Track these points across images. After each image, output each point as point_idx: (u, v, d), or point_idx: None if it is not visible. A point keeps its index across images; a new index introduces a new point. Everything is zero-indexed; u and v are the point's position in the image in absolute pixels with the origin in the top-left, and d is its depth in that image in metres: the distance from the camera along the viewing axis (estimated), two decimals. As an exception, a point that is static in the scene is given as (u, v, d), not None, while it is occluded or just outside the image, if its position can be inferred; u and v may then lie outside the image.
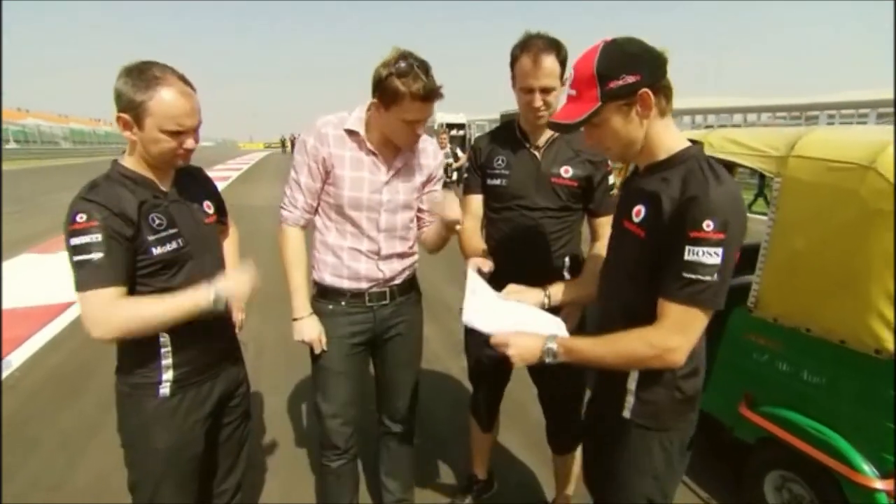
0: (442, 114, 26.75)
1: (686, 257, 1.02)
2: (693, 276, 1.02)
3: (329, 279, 1.74)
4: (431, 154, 1.80)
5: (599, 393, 1.41)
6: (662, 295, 1.08)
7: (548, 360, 1.19)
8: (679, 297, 1.05)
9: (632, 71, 1.06)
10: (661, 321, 1.09)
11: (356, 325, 1.77)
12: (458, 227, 1.65)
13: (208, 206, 1.52)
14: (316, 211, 1.74)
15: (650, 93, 1.07)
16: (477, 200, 1.95)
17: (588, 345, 1.18)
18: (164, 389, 1.39)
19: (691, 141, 1.17)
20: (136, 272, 1.30)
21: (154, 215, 1.32)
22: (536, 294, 1.54)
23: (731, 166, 3.17)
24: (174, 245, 1.34)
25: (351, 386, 1.81)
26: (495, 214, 1.87)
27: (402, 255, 1.80)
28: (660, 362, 1.10)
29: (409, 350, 1.92)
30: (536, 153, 1.78)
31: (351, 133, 1.64)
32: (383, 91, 1.49)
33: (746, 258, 3.11)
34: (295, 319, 1.73)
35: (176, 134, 1.27)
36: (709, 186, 1.02)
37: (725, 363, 2.21)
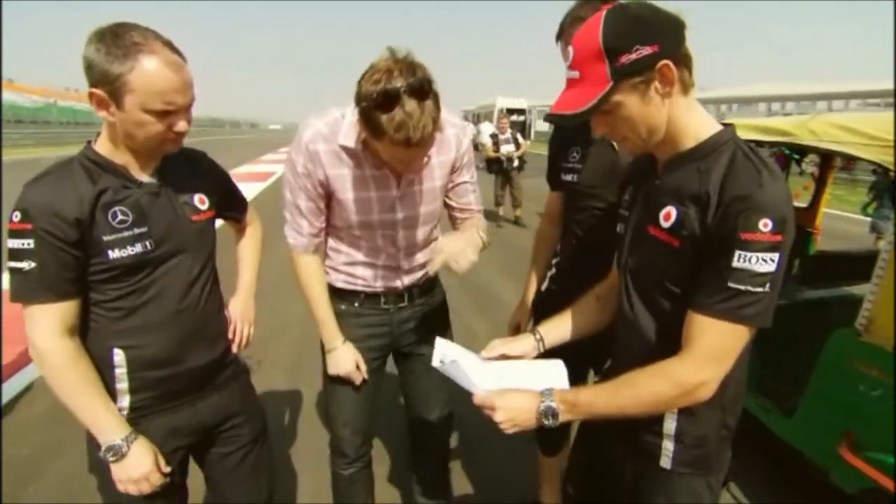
0: (502, 98, 26.17)
1: (735, 264, 0.83)
2: (741, 287, 0.84)
3: (341, 284, 1.55)
4: (454, 142, 1.44)
5: (606, 434, 1.15)
6: (696, 308, 0.88)
7: (547, 422, 0.96)
8: (721, 311, 0.86)
9: (647, 40, 0.84)
10: (690, 346, 0.89)
11: (370, 327, 1.58)
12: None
13: (201, 201, 1.25)
14: (327, 228, 1.50)
15: (671, 65, 0.85)
16: (553, 198, 1.74)
17: (597, 395, 0.97)
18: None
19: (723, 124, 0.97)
20: (89, 277, 1.09)
21: (118, 209, 1.09)
22: (524, 341, 1.22)
23: (828, 156, 2.73)
24: (139, 248, 1.11)
25: (364, 394, 1.61)
26: (571, 214, 1.64)
27: (425, 265, 1.57)
28: (687, 400, 0.92)
29: (428, 339, 1.67)
30: (615, 144, 1.50)
31: (346, 148, 1.32)
32: (363, 119, 1.15)
33: (852, 265, 2.72)
34: (328, 352, 1.54)
35: (164, 114, 1.04)
36: (762, 178, 0.83)
37: (821, 393, 1.87)
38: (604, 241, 1.53)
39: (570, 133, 1.59)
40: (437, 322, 1.65)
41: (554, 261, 1.78)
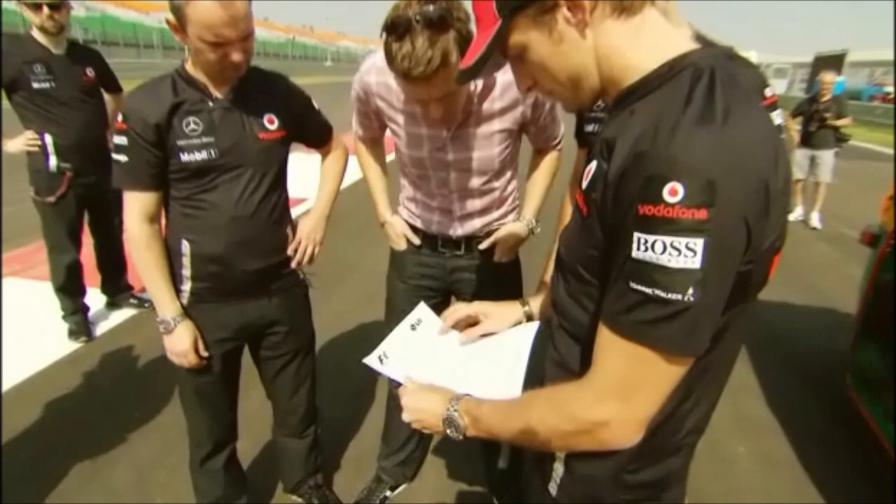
0: None
1: (635, 253, 0.55)
2: (647, 291, 0.55)
3: (405, 214, 1.61)
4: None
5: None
6: (602, 317, 0.63)
7: (450, 432, 0.80)
8: (623, 325, 0.59)
9: None
10: (592, 369, 0.65)
11: (424, 266, 1.60)
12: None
13: (270, 121, 1.36)
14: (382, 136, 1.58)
15: None
16: (581, 157, 1.53)
17: (494, 413, 0.77)
18: (183, 299, 1.39)
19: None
20: (169, 175, 1.28)
21: (190, 119, 1.25)
22: (512, 311, 1.06)
23: None
24: (204, 154, 1.26)
25: None
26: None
27: (484, 211, 1.50)
28: (589, 442, 0.66)
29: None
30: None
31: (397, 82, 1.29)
32: (383, 45, 1.10)
33: None
34: (381, 225, 1.65)
35: (216, 45, 1.15)
36: (682, 120, 0.54)
37: None
38: None
39: None
40: (497, 278, 1.59)
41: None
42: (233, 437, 1.66)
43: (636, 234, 0.55)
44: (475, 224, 1.51)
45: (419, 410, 0.85)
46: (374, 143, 1.62)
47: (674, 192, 0.52)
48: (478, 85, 1.29)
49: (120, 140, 1.25)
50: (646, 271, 0.55)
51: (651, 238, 0.54)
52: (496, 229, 1.54)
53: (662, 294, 0.55)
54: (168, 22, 1.17)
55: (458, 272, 1.59)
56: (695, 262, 0.53)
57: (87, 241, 2.96)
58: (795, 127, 5.75)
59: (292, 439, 1.74)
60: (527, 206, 1.58)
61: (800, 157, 5.64)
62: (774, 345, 3.19)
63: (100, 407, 2.38)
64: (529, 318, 1.04)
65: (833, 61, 24.18)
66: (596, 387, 0.64)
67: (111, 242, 3.00)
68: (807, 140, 5.56)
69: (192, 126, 1.26)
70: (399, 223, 1.60)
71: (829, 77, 5.42)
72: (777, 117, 1.21)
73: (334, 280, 3.64)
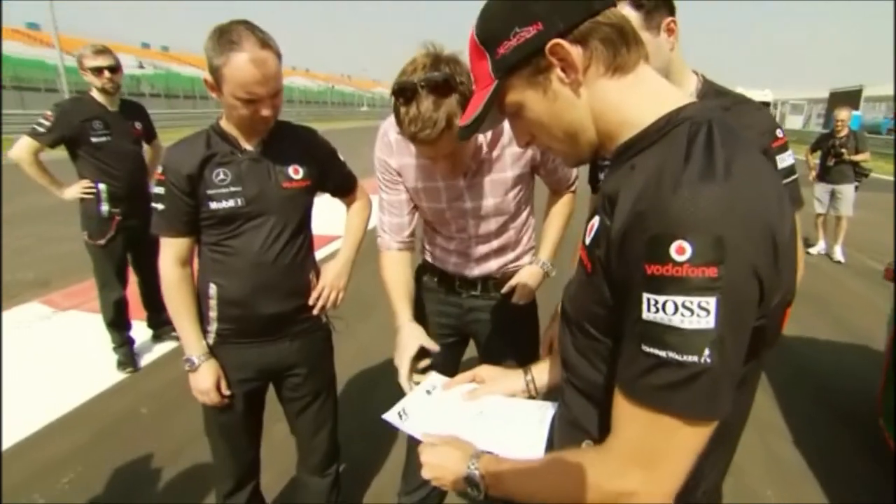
0: (742, 89, 21.98)
1: (646, 314, 0.54)
2: (661, 354, 0.54)
3: (427, 257, 1.67)
4: None
5: None
6: (616, 381, 0.61)
7: (471, 491, 0.77)
8: (639, 391, 0.57)
9: (527, 19, 0.65)
10: (612, 436, 0.62)
11: (443, 305, 1.63)
12: None
13: (296, 171, 1.45)
14: (411, 221, 1.54)
15: (565, 44, 0.64)
16: (594, 201, 1.59)
17: (515, 477, 0.74)
18: (209, 339, 1.46)
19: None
20: (200, 222, 1.38)
21: (221, 170, 1.35)
22: (514, 379, 1.04)
23: None
24: (231, 203, 1.35)
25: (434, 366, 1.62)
26: None
27: (500, 252, 1.55)
28: None
29: (507, 344, 1.61)
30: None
31: None
32: (393, 110, 1.18)
33: None
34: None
35: (249, 102, 1.25)
36: (685, 176, 0.54)
37: None
38: None
39: None
40: (513, 320, 1.60)
41: None
42: (254, 475, 1.70)
43: (645, 295, 0.54)
44: (491, 265, 1.55)
45: (438, 467, 0.82)
46: (400, 247, 1.52)
47: (681, 250, 0.51)
48: (487, 134, 1.36)
49: (158, 190, 1.37)
50: (658, 333, 0.53)
51: (661, 298, 0.53)
52: (511, 270, 1.57)
53: (677, 357, 0.53)
54: (206, 82, 1.29)
55: (474, 312, 1.60)
56: (709, 322, 0.51)
57: (133, 277, 3.19)
58: (815, 161, 5.85)
59: (314, 477, 1.77)
60: (542, 247, 1.61)
61: (819, 191, 5.68)
62: (803, 380, 3.12)
63: (139, 435, 2.53)
64: (531, 386, 1.02)
65: (849, 97, 23.76)
66: (617, 455, 0.61)
67: (153, 280, 3.22)
68: (825, 175, 5.61)
69: (222, 176, 1.36)
70: (413, 335, 1.33)
71: (843, 114, 5.50)
72: (788, 158, 1.24)
73: (357, 316, 3.69)
